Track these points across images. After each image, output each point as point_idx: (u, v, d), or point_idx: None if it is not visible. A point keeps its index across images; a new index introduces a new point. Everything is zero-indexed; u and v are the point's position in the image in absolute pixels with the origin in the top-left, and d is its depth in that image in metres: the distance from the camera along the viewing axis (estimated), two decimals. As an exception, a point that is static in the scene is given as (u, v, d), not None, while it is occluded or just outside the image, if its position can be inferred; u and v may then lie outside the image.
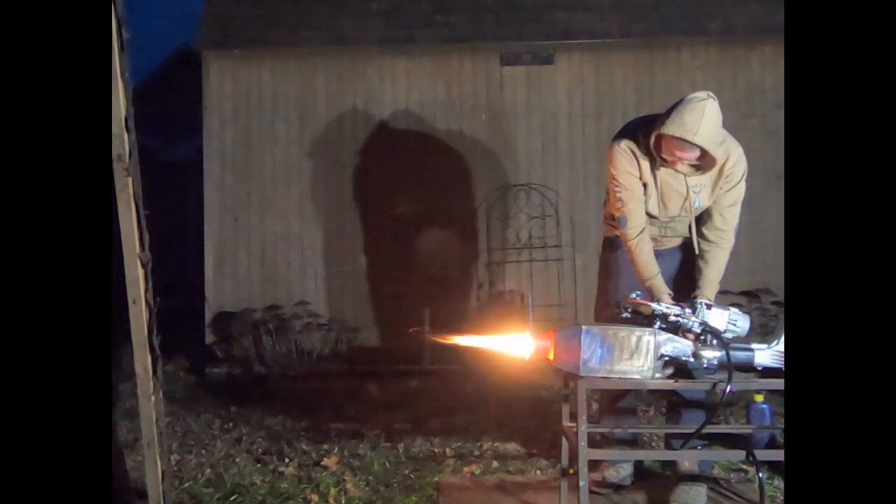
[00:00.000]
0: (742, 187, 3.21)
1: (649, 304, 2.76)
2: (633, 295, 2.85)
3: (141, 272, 2.38)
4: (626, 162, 3.19)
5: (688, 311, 2.77)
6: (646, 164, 3.18)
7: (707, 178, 3.16)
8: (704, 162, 3.07)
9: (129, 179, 2.33)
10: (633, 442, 3.56)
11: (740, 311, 2.84)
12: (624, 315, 2.78)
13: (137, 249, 2.36)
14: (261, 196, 7.21)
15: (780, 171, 6.71)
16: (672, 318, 2.71)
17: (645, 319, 2.72)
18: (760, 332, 5.24)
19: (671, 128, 2.96)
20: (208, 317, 7.10)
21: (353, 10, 7.31)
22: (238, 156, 7.24)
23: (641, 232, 3.20)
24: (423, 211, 7.07)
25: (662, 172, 3.17)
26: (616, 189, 3.22)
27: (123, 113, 2.30)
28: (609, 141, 3.32)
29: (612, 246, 3.45)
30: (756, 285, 6.74)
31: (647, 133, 3.11)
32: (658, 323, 2.68)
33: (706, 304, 2.80)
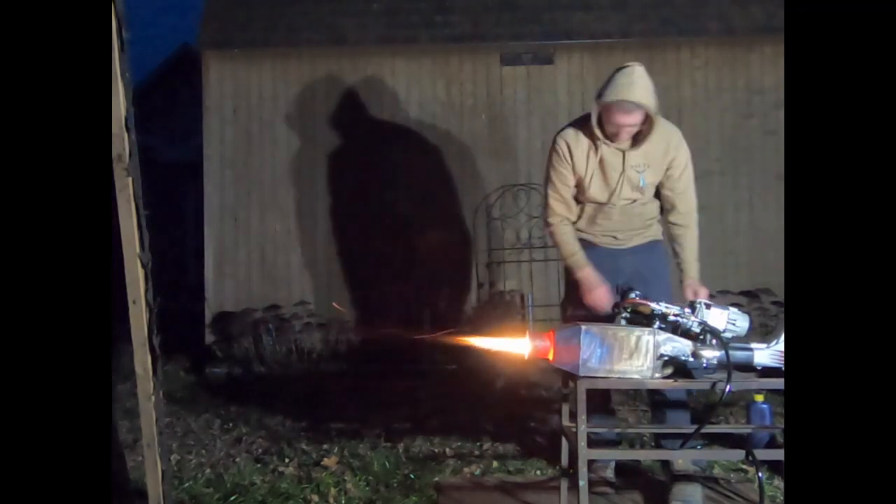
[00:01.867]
0: (691, 169, 3.42)
1: (648, 303, 2.76)
2: (633, 295, 2.85)
3: (141, 272, 2.38)
4: (557, 158, 3.36)
5: (687, 310, 2.77)
6: (584, 151, 3.32)
7: (650, 157, 3.31)
8: (645, 127, 3.24)
9: (129, 179, 2.33)
10: (616, 443, 3.58)
11: (740, 310, 2.84)
12: (623, 315, 2.78)
13: (137, 249, 2.36)
14: (261, 196, 7.22)
15: (780, 171, 6.72)
16: (671, 318, 2.71)
17: (644, 319, 2.72)
18: (760, 332, 5.24)
19: (611, 95, 3.14)
20: (208, 317, 7.10)
21: (353, 10, 7.31)
22: (238, 156, 7.24)
23: (562, 221, 3.43)
24: (423, 211, 7.07)
25: (604, 153, 3.30)
26: (548, 181, 3.43)
27: (123, 113, 2.30)
28: None
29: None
30: (756, 285, 6.75)
31: (587, 118, 3.29)
32: (657, 323, 2.68)
33: (705, 304, 2.79)
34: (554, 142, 3.40)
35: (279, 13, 7.32)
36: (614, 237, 3.44)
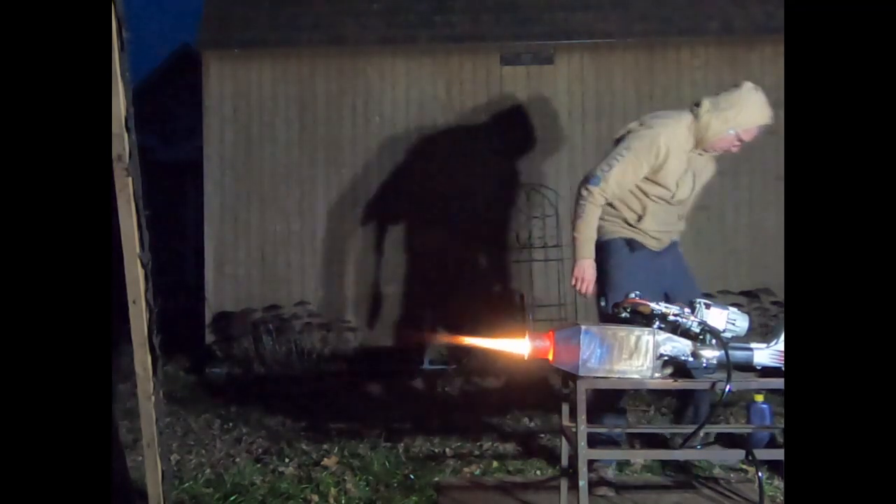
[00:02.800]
0: None
1: (648, 304, 2.76)
2: (633, 295, 2.85)
3: (141, 272, 2.38)
4: (647, 152, 3.36)
5: (687, 310, 2.77)
6: (681, 155, 3.38)
7: (708, 160, 3.54)
8: None
9: (129, 179, 2.33)
10: (620, 442, 3.60)
11: (739, 310, 2.84)
12: (623, 315, 2.78)
13: (137, 249, 2.36)
14: (261, 196, 7.22)
15: (780, 171, 6.72)
16: (671, 318, 2.71)
17: (644, 319, 2.71)
18: (760, 332, 5.23)
19: (767, 116, 3.31)
20: (208, 317, 7.10)
21: (353, 10, 7.31)
22: (238, 156, 7.24)
23: (602, 201, 3.41)
24: (423, 211, 7.07)
25: (693, 157, 3.44)
26: (621, 159, 3.37)
27: (123, 113, 2.30)
28: (631, 125, 3.53)
29: (632, 245, 3.50)
30: (756, 285, 6.74)
31: (685, 122, 3.37)
32: (657, 323, 2.68)
33: (705, 304, 2.80)
34: (654, 131, 3.38)
35: (279, 13, 7.32)
36: (659, 239, 3.52)
